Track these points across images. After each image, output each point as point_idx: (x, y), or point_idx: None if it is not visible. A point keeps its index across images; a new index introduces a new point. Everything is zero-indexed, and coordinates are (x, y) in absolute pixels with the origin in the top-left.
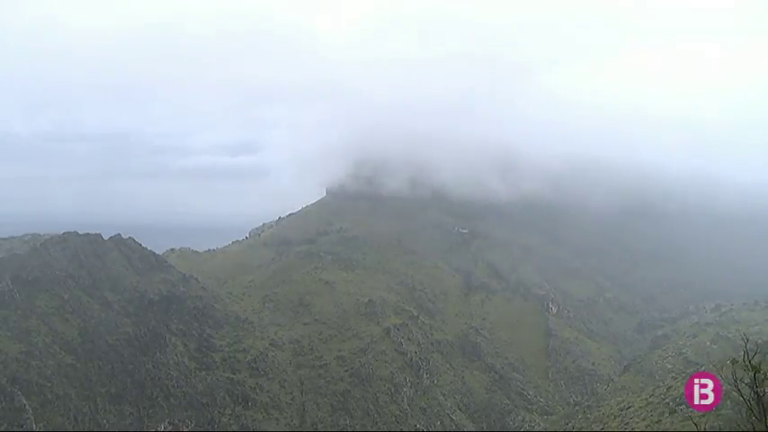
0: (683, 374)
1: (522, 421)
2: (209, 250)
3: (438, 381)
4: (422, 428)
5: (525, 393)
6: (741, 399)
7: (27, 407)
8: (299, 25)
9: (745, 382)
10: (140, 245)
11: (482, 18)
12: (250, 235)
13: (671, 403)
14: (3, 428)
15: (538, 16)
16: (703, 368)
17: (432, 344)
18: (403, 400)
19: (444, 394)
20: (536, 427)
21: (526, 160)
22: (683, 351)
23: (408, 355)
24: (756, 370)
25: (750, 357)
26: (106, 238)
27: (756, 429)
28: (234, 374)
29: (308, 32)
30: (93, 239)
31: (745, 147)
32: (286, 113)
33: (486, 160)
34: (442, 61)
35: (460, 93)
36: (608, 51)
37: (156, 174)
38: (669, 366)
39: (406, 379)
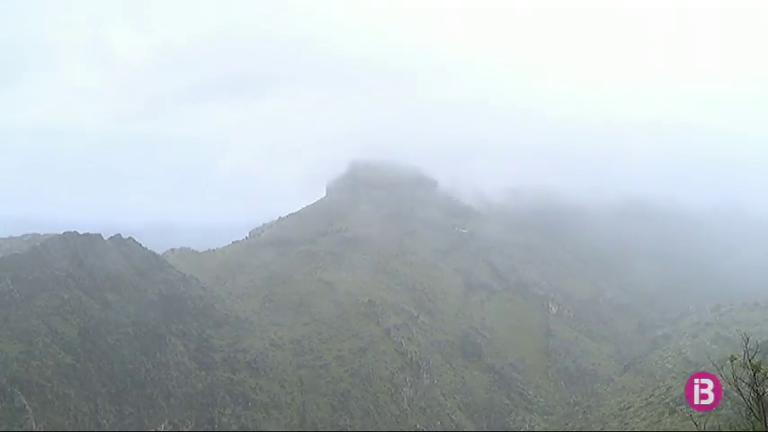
0: (683, 374)
1: (522, 421)
2: (209, 250)
3: (438, 381)
4: (422, 428)
5: (525, 393)
6: (741, 398)
7: (27, 407)
8: None
9: (746, 381)
10: (140, 245)
11: None
12: (250, 235)
13: (671, 403)
14: (3, 428)
15: None
16: (703, 368)
17: (432, 344)
18: (403, 400)
19: (444, 394)
20: (536, 427)
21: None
22: (683, 351)
23: (408, 355)
24: (756, 369)
25: (750, 357)
26: (106, 238)
27: (756, 429)
28: (234, 374)
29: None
30: (93, 239)
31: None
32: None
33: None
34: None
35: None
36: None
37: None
38: (669, 366)
39: (406, 379)
